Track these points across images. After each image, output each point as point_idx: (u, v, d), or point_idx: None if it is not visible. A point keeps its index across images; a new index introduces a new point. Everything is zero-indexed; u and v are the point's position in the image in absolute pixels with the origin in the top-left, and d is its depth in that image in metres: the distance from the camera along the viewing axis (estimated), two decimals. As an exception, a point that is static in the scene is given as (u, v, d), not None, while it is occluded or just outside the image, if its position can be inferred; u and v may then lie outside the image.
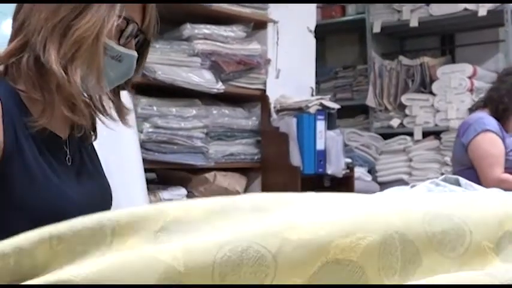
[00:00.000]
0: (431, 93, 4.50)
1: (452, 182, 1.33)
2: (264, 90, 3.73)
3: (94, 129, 1.38)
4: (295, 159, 3.60)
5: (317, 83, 4.37)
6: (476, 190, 1.23)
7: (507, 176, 2.94)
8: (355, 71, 4.99)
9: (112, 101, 1.29)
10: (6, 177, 1.17)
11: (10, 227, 1.08)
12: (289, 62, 3.89)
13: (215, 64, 3.45)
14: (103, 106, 1.30)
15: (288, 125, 3.64)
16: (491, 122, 3.05)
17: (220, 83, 3.43)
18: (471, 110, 3.37)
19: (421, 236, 0.74)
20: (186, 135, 3.26)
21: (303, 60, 4.05)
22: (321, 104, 3.71)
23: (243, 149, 3.63)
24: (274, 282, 0.68)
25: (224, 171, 3.52)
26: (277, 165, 3.64)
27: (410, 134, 4.56)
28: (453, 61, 4.78)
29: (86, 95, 1.26)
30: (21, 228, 1.22)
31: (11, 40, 1.23)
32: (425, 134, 4.52)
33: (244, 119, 3.67)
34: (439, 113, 4.45)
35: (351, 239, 0.70)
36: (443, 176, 1.34)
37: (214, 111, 3.50)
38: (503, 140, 3.03)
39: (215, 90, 3.40)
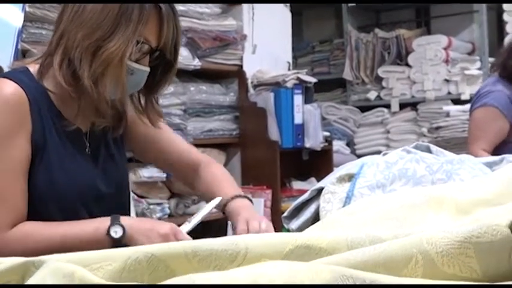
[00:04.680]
0: (407, 65, 4.53)
1: (423, 149, 1.36)
2: (241, 66, 3.73)
3: (120, 123, 1.55)
4: (274, 133, 3.62)
5: (294, 57, 4.37)
6: (446, 156, 1.26)
7: (482, 154, 2.84)
8: (332, 44, 5.00)
9: (142, 107, 1.52)
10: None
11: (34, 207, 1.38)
12: (266, 37, 3.89)
13: (191, 41, 3.44)
14: (124, 110, 1.52)
15: (266, 99, 3.65)
16: (498, 95, 2.91)
17: (196, 60, 3.43)
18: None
19: None
20: (164, 113, 3.24)
21: (279, 35, 4.05)
22: (298, 78, 3.73)
23: (221, 125, 3.64)
24: None
25: (203, 148, 3.53)
26: (255, 140, 3.65)
27: (388, 106, 4.59)
28: (428, 33, 4.81)
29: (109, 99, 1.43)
30: (45, 210, 1.39)
31: (50, 45, 1.43)
32: (402, 106, 4.56)
33: (222, 95, 3.68)
34: (416, 84, 4.49)
35: None
36: (415, 143, 1.37)
37: (192, 88, 3.50)
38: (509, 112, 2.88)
39: (192, 67, 3.40)
